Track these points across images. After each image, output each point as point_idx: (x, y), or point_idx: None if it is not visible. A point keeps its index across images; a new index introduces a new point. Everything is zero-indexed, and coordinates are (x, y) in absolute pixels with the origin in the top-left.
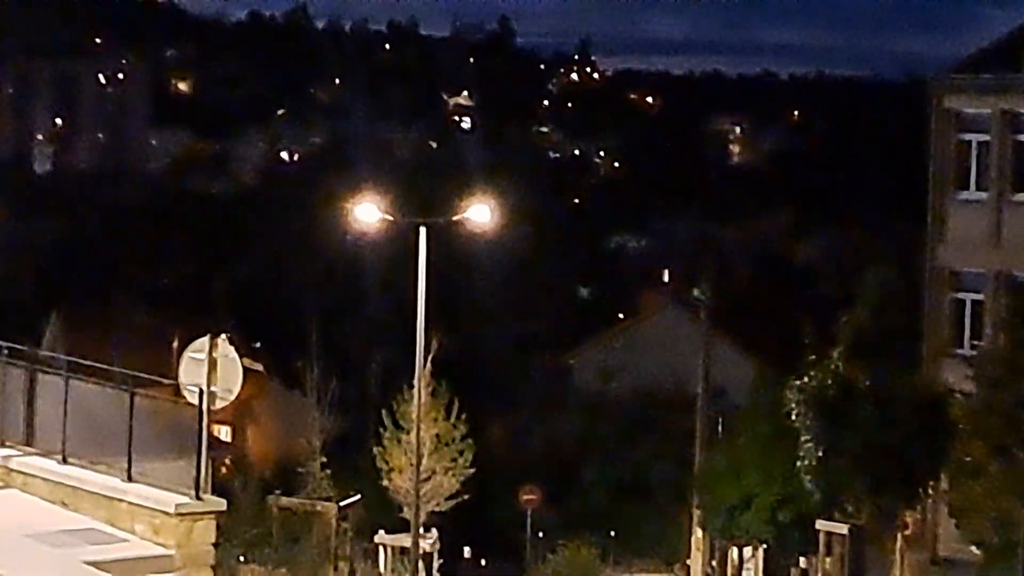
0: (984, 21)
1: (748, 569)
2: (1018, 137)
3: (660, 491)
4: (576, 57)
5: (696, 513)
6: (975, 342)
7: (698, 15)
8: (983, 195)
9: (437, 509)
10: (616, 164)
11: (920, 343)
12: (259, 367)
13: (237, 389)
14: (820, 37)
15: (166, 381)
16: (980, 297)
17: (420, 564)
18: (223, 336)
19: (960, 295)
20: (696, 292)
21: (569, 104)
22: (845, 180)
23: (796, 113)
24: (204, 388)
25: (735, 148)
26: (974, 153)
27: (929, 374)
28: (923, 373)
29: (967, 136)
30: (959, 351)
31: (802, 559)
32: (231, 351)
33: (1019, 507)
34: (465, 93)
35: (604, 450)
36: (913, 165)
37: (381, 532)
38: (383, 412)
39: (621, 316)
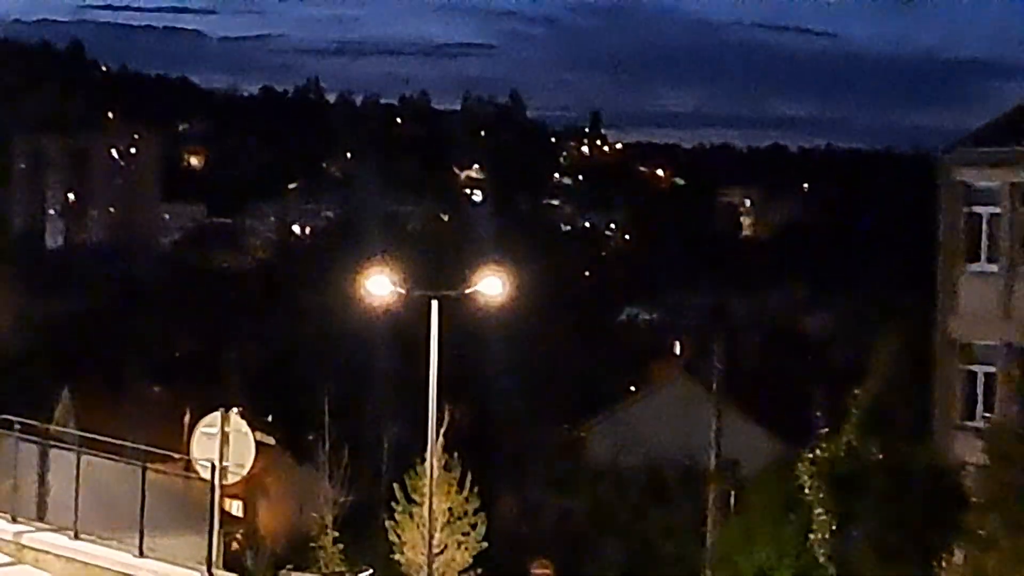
0: (994, 94)
1: None
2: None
3: (673, 565)
4: (587, 130)
5: None
6: (987, 414)
7: (708, 89)
8: (993, 267)
9: None
10: (627, 236)
11: (932, 415)
12: (271, 441)
13: (249, 464)
14: (830, 110)
15: (178, 456)
16: (991, 369)
17: None
18: (235, 411)
19: (971, 367)
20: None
21: (580, 177)
22: (855, 252)
23: (806, 186)
24: (216, 463)
25: (745, 220)
26: (984, 225)
27: (941, 446)
28: (935, 445)
29: (977, 209)
30: (971, 423)
31: None
32: (243, 425)
33: None
34: (476, 166)
35: (616, 523)
36: (923, 237)
37: None
38: (395, 486)
39: (632, 388)
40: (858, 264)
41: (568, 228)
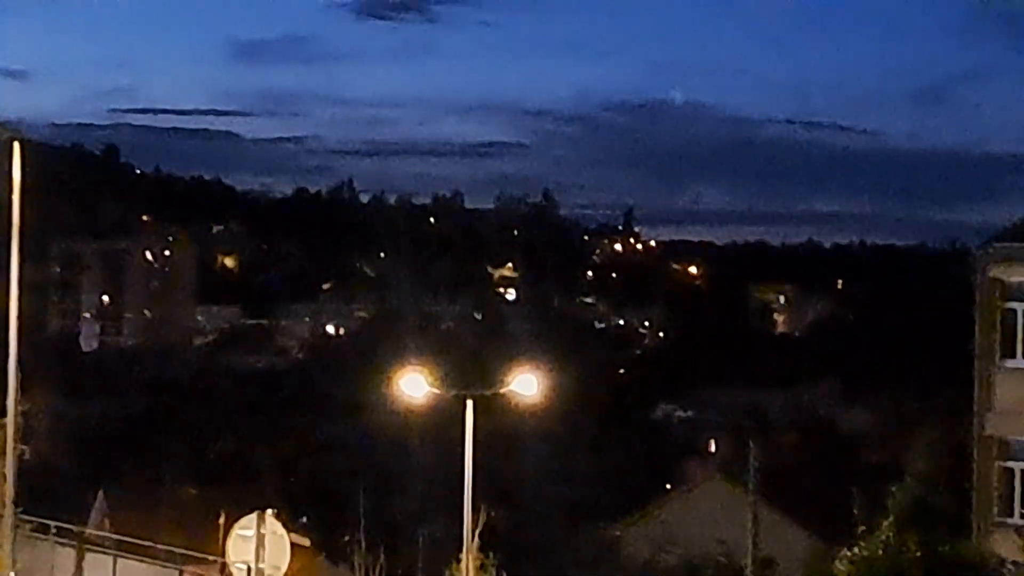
0: None
1: None
2: None
3: None
4: (620, 227)
5: None
6: None
7: (741, 185)
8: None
9: None
10: (661, 333)
11: (970, 512)
12: (306, 542)
13: (285, 566)
14: (863, 206)
15: (213, 558)
16: None
17: None
18: (270, 512)
19: (1009, 464)
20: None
21: (613, 274)
22: (890, 348)
23: (840, 282)
24: (252, 565)
25: (779, 317)
26: (1020, 321)
27: (979, 544)
28: (973, 543)
29: (1013, 304)
30: (1009, 520)
31: None
32: (278, 527)
33: None
34: (510, 264)
35: None
36: (958, 333)
37: None
38: None
39: (668, 487)
40: (893, 361)
41: (602, 325)
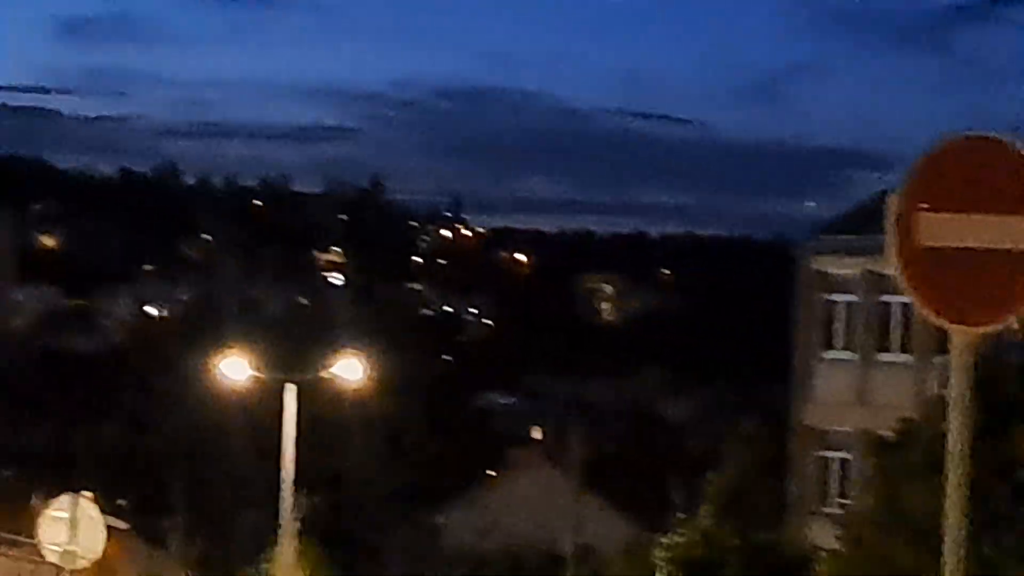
0: (852, 183)
1: None
2: (883, 298)
3: None
4: (448, 214)
5: None
6: (842, 500)
7: (571, 175)
8: (849, 355)
9: None
10: (487, 321)
11: (788, 501)
12: (123, 526)
13: (100, 548)
14: (692, 197)
15: (25, 540)
16: (846, 456)
17: None
18: (85, 495)
19: (826, 453)
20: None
21: (441, 261)
22: (715, 339)
23: (667, 272)
24: (66, 547)
25: (606, 306)
26: (840, 313)
27: (796, 533)
28: (790, 532)
29: (833, 296)
30: (826, 509)
31: None
32: (93, 509)
33: None
34: (336, 249)
35: None
36: (781, 325)
37: None
38: (249, 572)
39: (492, 474)
40: (718, 351)
41: (429, 312)
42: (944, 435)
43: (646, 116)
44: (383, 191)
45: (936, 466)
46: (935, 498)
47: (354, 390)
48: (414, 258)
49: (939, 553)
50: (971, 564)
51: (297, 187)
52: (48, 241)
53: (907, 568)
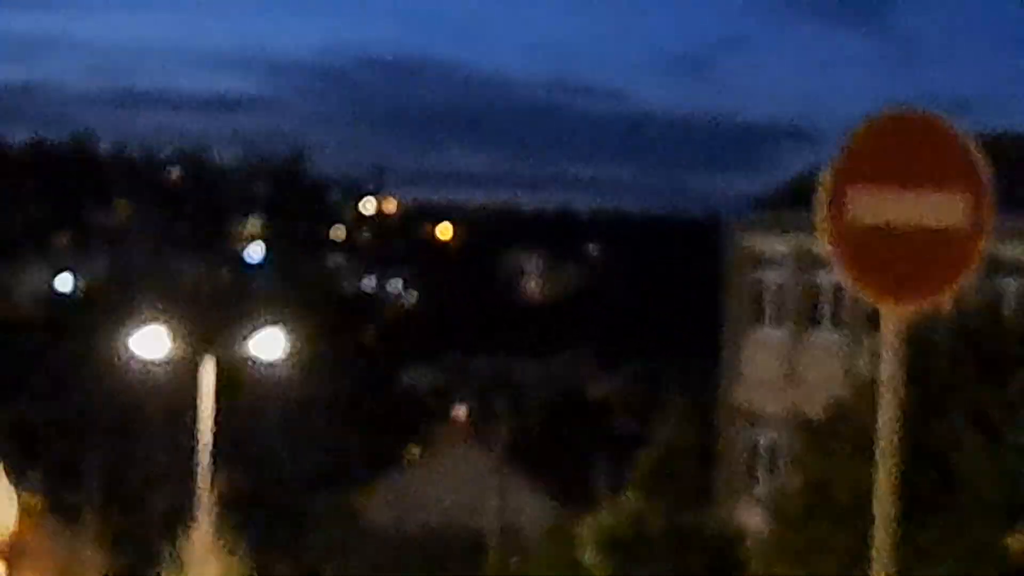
0: (782, 159)
1: None
2: (813, 275)
3: None
4: (372, 188)
5: None
6: (769, 481)
7: (497, 148)
8: (778, 332)
9: None
10: (412, 297)
11: (715, 482)
12: (37, 503)
13: (12, 523)
14: (620, 172)
15: None
16: (774, 435)
17: None
18: None
19: (754, 433)
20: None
21: (364, 235)
22: (644, 316)
23: (595, 248)
24: None
25: (533, 282)
26: (770, 291)
27: (723, 512)
28: (717, 511)
29: (763, 273)
30: (753, 489)
31: None
32: (3, 479)
33: None
34: (256, 222)
35: None
36: (711, 302)
37: None
38: (164, 550)
39: (415, 453)
40: (647, 329)
41: (351, 287)
42: (874, 417)
43: (575, 88)
44: (305, 163)
45: (866, 449)
46: (865, 481)
47: (273, 365)
48: (336, 231)
49: (868, 536)
50: (900, 548)
51: (216, 158)
52: None
53: (836, 551)
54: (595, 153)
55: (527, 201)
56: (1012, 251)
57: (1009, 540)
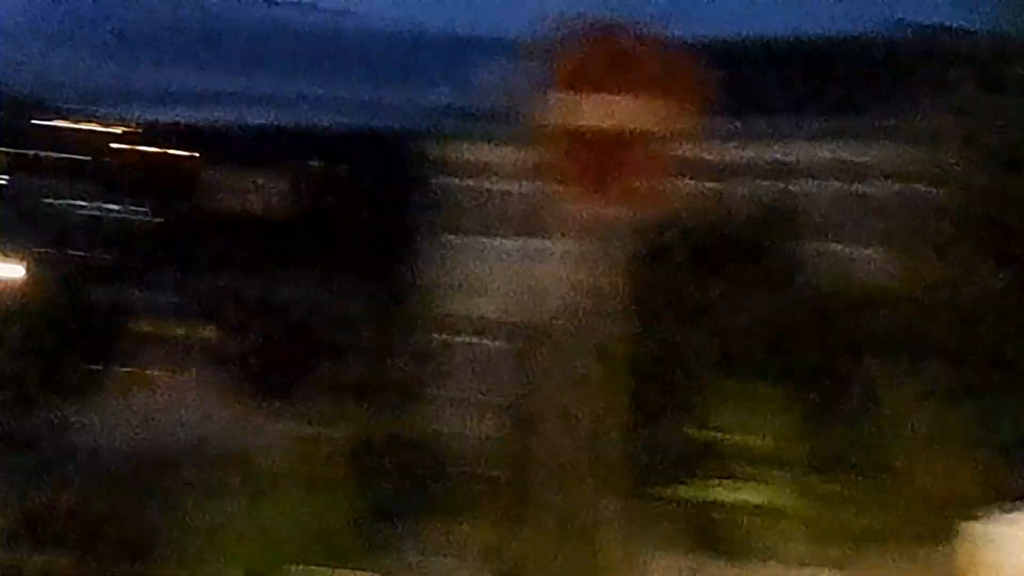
0: (486, 69)
1: None
2: (511, 183)
3: None
4: (80, 109)
5: None
6: (473, 388)
7: (206, 66)
8: (468, 240)
9: None
10: (138, 217)
11: (412, 387)
12: None
13: None
14: (329, 88)
15: None
16: (472, 340)
17: None
18: None
19: (444, 337)
20: None
21: (85, 158)
22: (349, 231)
23: (305, 164)
24: None
25: (254, 200)
26: (463, 199)
27: (418, 418)
28: (412, 418)
29: (454, 181)
30: (446, 393)
31: None
32: None
33: None
34: None
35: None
36: (406, 213)
37: None
38: None
39: (129, 371)
40: (341, 241)
41: (77, 211)
42: (589, 324)
43: (287, 4)
44: (19, 85)
45: (592, 353)
46: (580, 389)
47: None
48: (46, 154)
49: (596, 449)
50: (624, 460)
51: None
52: None
53: (554, 460)
54: (306, 69)
55: (239, 117)
56: (744, 155)
57: None
